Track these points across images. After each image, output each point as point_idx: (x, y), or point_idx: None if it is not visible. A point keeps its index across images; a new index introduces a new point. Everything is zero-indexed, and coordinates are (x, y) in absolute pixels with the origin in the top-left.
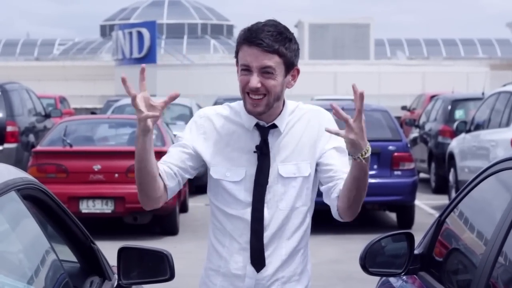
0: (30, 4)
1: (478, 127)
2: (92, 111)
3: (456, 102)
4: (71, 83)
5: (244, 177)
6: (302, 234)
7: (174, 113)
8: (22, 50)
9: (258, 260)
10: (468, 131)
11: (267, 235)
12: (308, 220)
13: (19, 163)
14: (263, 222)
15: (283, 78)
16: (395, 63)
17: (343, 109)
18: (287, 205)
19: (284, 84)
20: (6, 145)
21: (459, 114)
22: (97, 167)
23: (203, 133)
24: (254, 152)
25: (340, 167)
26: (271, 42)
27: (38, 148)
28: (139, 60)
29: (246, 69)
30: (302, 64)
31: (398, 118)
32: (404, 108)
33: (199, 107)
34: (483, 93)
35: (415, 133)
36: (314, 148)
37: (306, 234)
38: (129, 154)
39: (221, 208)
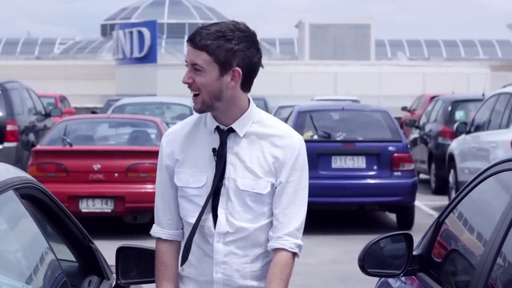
0: (31, 2)
1: (478, 128)
2: (93, 111)
3: (457, 103)
4: (71, 82)
5: (205, 182)
6: (266, 242)
7: (174, 112)
8: (23, 49)
9: (185, 254)
10: (468, 132)
11: (228, 237)
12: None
13: (19, 162)
14: (216, 222)
15: (217, 77)
16: (396, 63)
17: (342, 109)
18: (244, 215)
19: (222, 84)
20: (6, 144)
21: (459, 115)
22: (97, 166)
23: (170, 149)
24: (213, 155)
25: (284, 211)
26: (202, 40)
27: (38, 147)
28: (139, 60)
29: (187, 65)
30: (303, 64)
31: (398, 118)
32: (404, 108)
33: None
34: (483, 94)
35: (415, 134)
36: (275, 173)
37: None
38: (129, 154)
39: (185, 219)
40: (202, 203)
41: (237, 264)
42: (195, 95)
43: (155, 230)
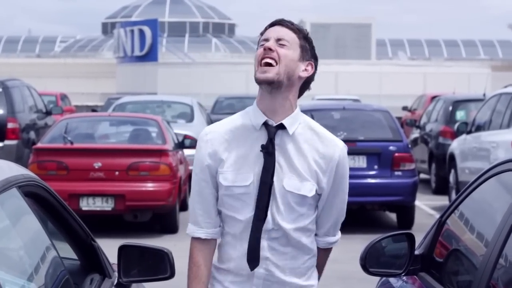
0: (32, 0)
1: (479, 128)
2: (93, 109)
3: (457, 103)
4: (72, 81)
5: (252, 180)
6: (306, 240)
7: (175, 111)
8: (24, 47)
9: (252, 257)
10: (469, 132)
11: (271, 234)
12: (312, 235)
13: (19, 160)
14: (264, 220)
15: (298, 57)
16: (397, 63)
17: (343, 109)
18: (287, 215)
19: (297, 65)
20: (7, 142)
21: (460, 115)
22: (97, 164)
23: (211, 149)
24: (260, 151)
25: (328, 216)
26: (290, 24)
27: (39, 145)
28: (140, 58)
29: (264, 41)
30: None
31: (399, 118)
32: (405, 108)
33: (200, 105)
34: (484, 94)
35: (415, 133)
36: (319, 179)
37: (309, 242)
38: (130, 152)
39: (231, 215)
40: (250, 200)
41: (278, 260)
42: (267, 64)
43: (193, 230)
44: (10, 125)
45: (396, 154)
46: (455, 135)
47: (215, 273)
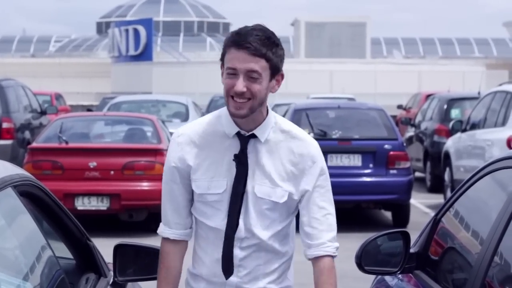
0: (27, 0)
1: (474, 126)
2: (88, 108)
3: (452, 101)
4: (67, 80)
5: (226, 188)
6: (279, 246)
7: (170, 110)
8: (18, 47)
9: (226, 267)
10: (464, 130)
11: (244, 242)
12: (287, 238)
13: (14, 160)
14: (236, 229)
15: (268, 83)
16: (391, 61)
17: (338, 107)
18: (259, 221)
19: (269, 88)
20: (2, 142)
21: (455, 113)
22: (92, 164)
23: (181, 152)
24: (233, 160)
25: (317, 217)
26: (259, 46)
27: (34, 144)
28: (135, 58)
29: (232, 73)
30: (298, 62)
31: (394, 117)
32: (400, 107)
33: (195, 104)
34: (479, 93)
35: (410, 132)
36: (295, 181)
37: (283, 248)
38: (125, 152)
39: (203, 221)
40: (222, 208)
41: (251, 266)
42: (242, 102)
43: (162, 230)
44: (5, 125)
45: (391, 153)
46: (450, 133)
47: (189, 279)
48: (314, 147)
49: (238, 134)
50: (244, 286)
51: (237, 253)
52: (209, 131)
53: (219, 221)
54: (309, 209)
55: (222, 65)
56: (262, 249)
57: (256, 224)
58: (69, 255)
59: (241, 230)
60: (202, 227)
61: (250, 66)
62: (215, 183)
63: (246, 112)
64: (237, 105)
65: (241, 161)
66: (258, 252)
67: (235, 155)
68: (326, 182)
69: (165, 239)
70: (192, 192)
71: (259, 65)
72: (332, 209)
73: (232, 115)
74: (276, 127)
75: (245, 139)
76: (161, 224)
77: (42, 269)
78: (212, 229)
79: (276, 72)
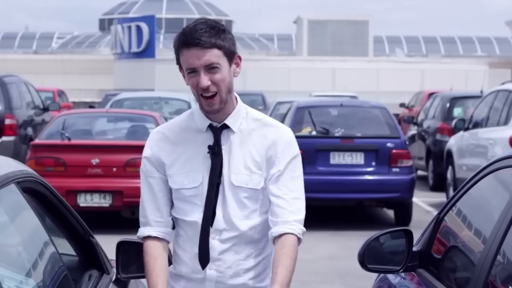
0: None
1: (477, 125)
2: (91, 105)
3: (455, 100)
4: (69, 77)
5: (201, 181)
6: (260, 239)
7: (172, 107)
8: (21, 43)
9: (202, 256)
10: (467, 129)
11: (223, 235)
12: (265, 229)
13: (17, 156)
14: (213, 220)
15: (229, 69)
16: (394, 60)
17: (341, 105)
18: (239, 211)
19: (231, 74)
20: (4, 138)
21: (457, 112)
22: (95, 161)
23: (156, 149)
24: (208, 152)
25: (285, 197)
26: (207, 38)
27: (36, 141)
28: (137, 55)
29: (192, 71)
30: (301, 60)
31: (396, 115)
32: (402, 105)
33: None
34: (481, 91)
35: (413, 130)
36: (268, 165)
37: (263, 241)
38: (128, 148)
39: (181, 218)
40: (199, 202)
41: (231, 261)
42: (209, 97)
43: (142, 231)
44: (7, 121)
45: (394, 151)
46: (452, 132)
47: (170, 280)
48: (288, 132)
49: (210, 126)
50: (224, 281)
51: (217, 245)
52: (183, 128)
53: (197, 215)
54: (278, 189)
55: (180, 68)
56: (242, 242)
57: (236, 214)
58: (72, 252)
59: (219, 221)
60: (181, 225)
61: (205, 59)
62: (191, 178)
63: (219, 105)
64: (208, 102)
65: (215, 152)
66: (238, 246)
67: (209, 146)
68: (299, 168)
69: (146, 238)
70: (171, 191)
71: (214, 55)
72: (302, 195)
73: (207, 112)
74: (247, 117)
75: (218, 130)
76: (140, 228)
77: (45, 265)
78: (190, 225)
79: (232, 56)
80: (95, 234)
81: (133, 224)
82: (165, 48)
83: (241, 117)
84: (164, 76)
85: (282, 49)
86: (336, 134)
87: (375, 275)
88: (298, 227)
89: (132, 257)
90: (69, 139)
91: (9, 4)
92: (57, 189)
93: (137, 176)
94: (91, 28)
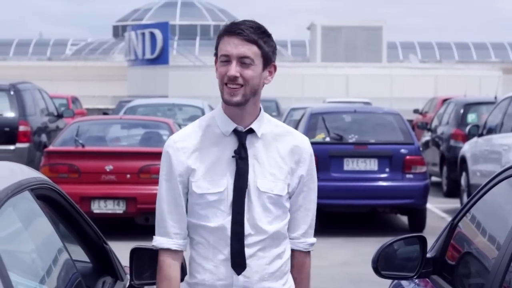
0: (43, 3)
1: (491, 131)
2: (104, 112)
3: (469, 106)
4: (83, 84)
5: (226, 186)
6: (280, 243)
7: (186, 114)
8: (35, 50)
9: (238, 261)
10: (481, 135)
11: (249, 240)
12: (286, 238)
13: (31, 163)
14: (244, 224)
15: (261, 71)
16: (408, 66)
17: (355, 111)
18: (263, 217)
19: (262, 78)
20: (18, 145)
21: (471, 118)
22: (109, 167)
23: (183, 157)
24: (233, 156)
25: (305, 213)
26: (250, 32)
27: (50, 148)
28: (151, 61)
29: (225, 60)
30: (315, 66)
31: (410, 121)
32: (416, 111)
33: (211, 108)
34: (495, 97)
35: (427, 136)
36: (291, 174)
37: (283, 245)
38: (141, 155)
39: (202, 224)
40: (223, 207)
41: (257, 265)
42: (234, 88)
43: (162, 242)
44: (21, 128)
45: (408, 157)
46: (466, 138)
47: None
48: (308, 143)
49: (235, 131)
50: (250, 286)
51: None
52: (204, 133)
53: (221, 220)
54: (297, 202)
55: (216, 57)
56: (267, 246)
57: (261, 219)
58: (86, 258)
59: (246, 227)
60: (200, 232)
61: (242, 51)
62: (215, 182)
63: (240, 99)
64: (230, 91)
65: (242, 156)
66: (262, 251)
67: (235, 151)
68: (315, 178)
69: (165, 250)
70: (187, 200)
71: (251, 50)
72: (314, 207)
73: (226, 102)
74: (269, 122)
75: (243, 134)
76: (155, 237)
77: (59, 272)
78: (213, 231)
79: (268, 62)
80: (108, 241)
81: (147, 231)
82: (178, 54)
83: (263, 121)
84: (178, 83)
85: (296, 55)
86: (350, 140)
87: (388, 281)
88: (306, 243)
89: (146, 264)
90: (83, 145)
91: (23, 10)
92: (71, 195)
93: (151, 182)
94: (105, 34)
